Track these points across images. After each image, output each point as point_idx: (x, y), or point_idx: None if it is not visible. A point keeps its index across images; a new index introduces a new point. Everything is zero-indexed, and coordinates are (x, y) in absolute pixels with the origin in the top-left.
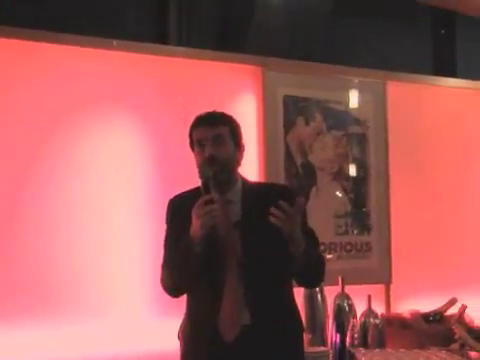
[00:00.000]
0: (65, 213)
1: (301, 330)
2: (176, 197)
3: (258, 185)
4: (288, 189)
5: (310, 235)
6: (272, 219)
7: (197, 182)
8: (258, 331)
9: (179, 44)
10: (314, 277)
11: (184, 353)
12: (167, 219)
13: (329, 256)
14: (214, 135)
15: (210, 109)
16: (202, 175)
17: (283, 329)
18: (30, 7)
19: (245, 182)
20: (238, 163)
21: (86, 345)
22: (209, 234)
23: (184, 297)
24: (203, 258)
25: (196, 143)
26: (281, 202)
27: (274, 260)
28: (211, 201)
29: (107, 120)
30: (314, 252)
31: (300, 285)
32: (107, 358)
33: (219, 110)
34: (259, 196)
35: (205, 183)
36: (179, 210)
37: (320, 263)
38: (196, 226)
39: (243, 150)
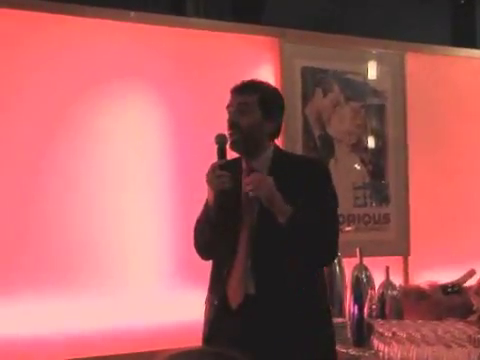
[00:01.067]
0: (83, 187)
1: (318, 305)
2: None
3: (289, 156)
4: (316, 161)
5: (325, 213)
6: (246, 189)
7: (212, 152)
8: (261, 301)
9: (196, 15)
10: (315, 253)
11: (205, 317)
12: None
13: (348, 228)
14: (238, 103)
15: (227, 81)
16: (216, 140)
17: (292, 301)
18: None
19: (277, 152)
20: (267, 133)
21: (104, 317)
22: (224, 200)
23: (203, 268)
24: (218, 224)
25: (227, 109)
26: (253, 173)
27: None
28: (222, 167)
29: (124, 92)
30: (312, 225)
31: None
32: (126, 329)
33: (245, 80)
34: (286, 167)
35: (218, 149)
36: None
37: (322, 239)
38: (208, 192)
39: (275, 120)
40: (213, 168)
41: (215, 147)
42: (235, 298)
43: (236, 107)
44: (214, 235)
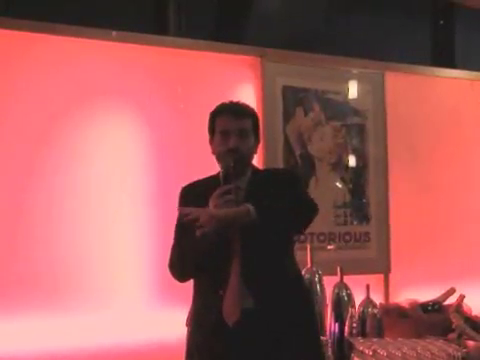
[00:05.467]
0: (66, 206)
1: (311, 312)
2: (188, 185)
3: (264, 172)
4: (286, 172)
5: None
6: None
7: (194, 170)
8: (261, 315)
9: (178, 35)
10: (291, 224)
11: (190, 339)
12: (179, 205)
13: (329, 246)
14: (240, 128)
15: (209, 100)
16: (223, 165)
17: (289, 312)
18: None
19: (254, 170)
20: (254, 154)
21: (87, 335)
22: None
23: (186, 287)
24: (216, 244)
25: (220, 132)
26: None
27: (275, 243)
28: (229, 191)
29: (106, 111)
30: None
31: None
32: (109, 347)
33: (222, 100)
34: (262, 182)
35: (225, 173)
36: (190, 197)
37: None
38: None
39: (258, 141)
40: (220, 193)
41: (197, 166)
42: (231, 315)
43: (238, 132)
44: (207, 255)
